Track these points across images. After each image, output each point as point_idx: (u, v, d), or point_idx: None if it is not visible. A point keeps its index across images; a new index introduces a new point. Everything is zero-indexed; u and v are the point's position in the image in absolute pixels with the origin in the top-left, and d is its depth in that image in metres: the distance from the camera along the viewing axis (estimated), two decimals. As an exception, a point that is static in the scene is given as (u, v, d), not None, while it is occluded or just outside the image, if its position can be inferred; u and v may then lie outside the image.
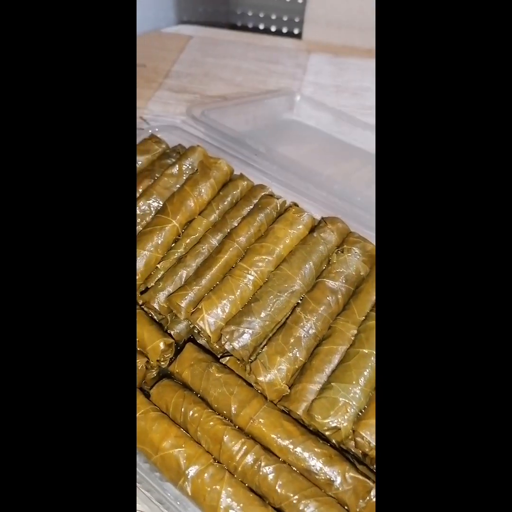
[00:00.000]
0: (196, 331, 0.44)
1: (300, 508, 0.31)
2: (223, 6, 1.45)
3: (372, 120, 0.87)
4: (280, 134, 0.80)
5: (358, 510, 0.33)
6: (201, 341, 0.43)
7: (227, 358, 0.42)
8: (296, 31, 1.41)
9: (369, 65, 1.04)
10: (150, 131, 0.58)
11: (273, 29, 1.42)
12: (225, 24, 1.42)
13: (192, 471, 0.32)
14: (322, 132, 0.83)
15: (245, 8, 1.46)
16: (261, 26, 1.46)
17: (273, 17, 1.44)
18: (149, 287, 0.44)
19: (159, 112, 0.89)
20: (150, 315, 0.44)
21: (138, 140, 0.56)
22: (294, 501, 0.31)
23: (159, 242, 0.45)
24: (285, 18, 1.45)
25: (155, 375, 0.41)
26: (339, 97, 0.95)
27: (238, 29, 1.41)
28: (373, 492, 0.33)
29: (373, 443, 0.33)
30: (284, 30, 1.43)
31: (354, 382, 0.35)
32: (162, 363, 0.41)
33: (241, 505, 0.31)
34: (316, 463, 0.33)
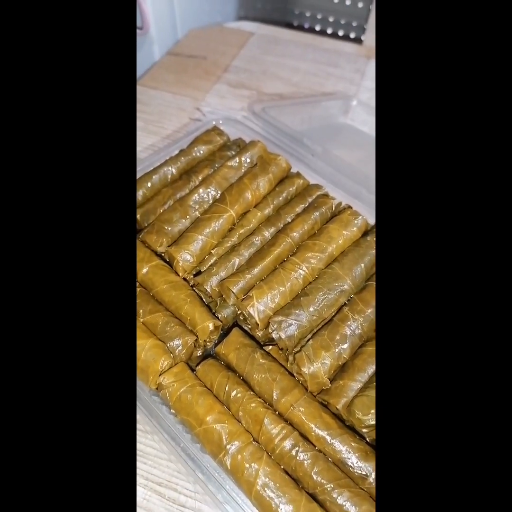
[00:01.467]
0: (241, 317, 0.45)
1: (333, 496, 0.32)
2: (281, 3, 1.47)
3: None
4: (334, 137, 0.80)
5: None
6: (245, 327, 0.45)
7: (270, 347, 0.43)
8: (352, 35, 1.41)
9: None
10: (213, 122, 0.60)
11: (329, 31, 1.42)
12: (282, 22, 1.44)
13: (233, 447, 0.34)
14: (375, 139, 0.84)
15: (303, 8, 1.47)
16: (318, 27, 1.47)
17: (331, 19, 1.44)
18: (202, 270, 0.46)
19: (215, 105, 0.91)
20: (200, 297, 0.46)
21: (200, 131, 0.59)
22: (328, 489, 0.32)
23: (216, 229, 0.47)
24: (342, 22, 1.45)
25: (200, 354, 0.43)
26: (395, 105, 0.94)
27: (295, 28, 1.42)
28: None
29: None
30: (340, 33, 1.43)
31: (396, 385, 0.35)
32: (208, 343, 0.43)
33: (277, 485, 0.33)
34: (352, 457, 0.34)
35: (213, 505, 0.44)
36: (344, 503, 0.32)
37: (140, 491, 0.46)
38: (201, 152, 0.55)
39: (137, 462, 0.47)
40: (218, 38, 1.17)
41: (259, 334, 0.44)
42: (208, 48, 1.12)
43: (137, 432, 0.48)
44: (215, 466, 0.35)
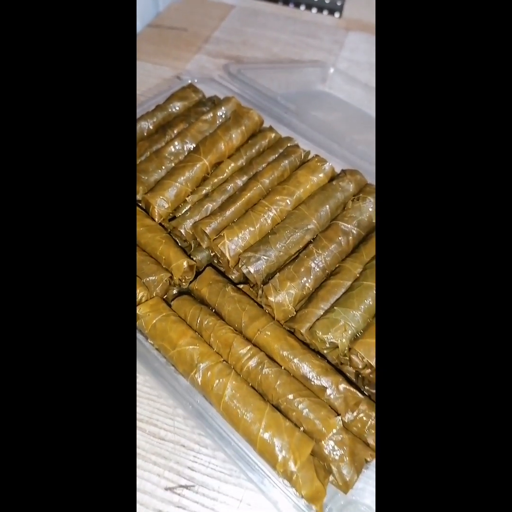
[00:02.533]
0: (215, 261, 0.48)
1: (295, 405, 0.35)
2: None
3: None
4: (310, 102, 0.82)
5: (346, 420, 0.37)
6: (220, 269, 0.47)
7: (242, 285, 0.46)
8: (331, 8, 1.40)
9: (406, 47, 1.05)
10: (189, 81, 0.61)
11: (309, 3, 1.41)
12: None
13: (203, 365, 0.37)
14: (352, 106, 0.86)
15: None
16: (294, 4, 1.45)
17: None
18: (177, 216, 0.48)
19: (195, 74, 0.92)
20: (175, 240, 0.48)
21: (176, 88, 0.61)
22: (290, 398, 0.35)
23: (190, 176, 0.49)
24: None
25: (176, 293, 0.46)
26: (372, 74, 0.96)
27: (276, 1, 1.41)
28: (362, 406, 0.37)
29: (367, 360, 0.37)
30: (320, 5, 1.42)
31: (355, 308, 0.38)
32: (183, 283, 0.46)
33: (244, 396, 0.35)
34: (312, 372, 0.37)
35: (190, 438, 0.47)
36: (303, 410, 0.35)
37: (122, 427, 0.48)
38: (177, 108, 0.57)
39: (119, 401, 0.50)
40: (199, 10, 1.17)
41: (233, 277, 0.46)
42: (189, 20, 1.12)
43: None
44: (188, 385, 0.38)
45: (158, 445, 0.47)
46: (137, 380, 0.50)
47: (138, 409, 0.49)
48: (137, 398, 0.49)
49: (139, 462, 0.46)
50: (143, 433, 0.48)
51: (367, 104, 0.85)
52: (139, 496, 0.45)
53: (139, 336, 0.43)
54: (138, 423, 0.48)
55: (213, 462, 0.46)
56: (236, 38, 1.06)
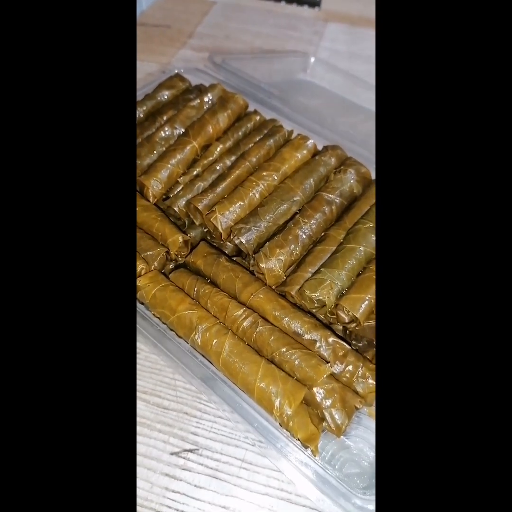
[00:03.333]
0: (208, 237, 0.51)
1: (287, 356, 0.38)
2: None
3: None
4: (293, 90, 0.85)
5: (336, 371, 0.40)
6: (213, 243, 0.50)
7: (235, 258, 0.49)
8: (314, 4, 1.43)
9: (384, 36, 1.09)
10: (175, 71, 0.64)
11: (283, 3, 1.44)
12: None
13: (202, 327, 0.40)
14: (333, 93, 0.89)
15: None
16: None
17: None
18: (170, 196, 0.51)
19: (180, 67, 0.94)
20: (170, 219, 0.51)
21: (163, 78, 0.63)
22: (283, 351, 0.38)
23: (181, 158, 0.52)
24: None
25: (172, 267, 0.49)
26: (352, 63, 1.00)
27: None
28: (350, 358, 0.40)
29: (352, 313, 0.40)
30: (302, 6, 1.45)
31: (339, 268, 0.42)
32: (179, 258, 0.49)
33: (241, 352, 0.38)
34: (303, 328, 0.40)
35: (192, 405, 0.50)
36: (295, 360, 0.37)
37: (127, 399, 0.51)
38: (165, 96, 0.60)
39: (123, 376, 0.52)
40: (182, 7, 1.20)
41: (227, 251, 0.49)
42: (172, 17, 1.14)
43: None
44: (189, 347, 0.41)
45: (162, 414, 0.50)
46: (139, 355, 0.53)
47: (141, 382, 0.52)
48: (140, 372, 0.52)
49: (145, 430, 0.49)
50: (147, 404, 0.51)
51: (348, 90, 0.88)
52: (146, 461, 0.47)
53: (140, 312, 0.46)
54: (143, 395, 0.51)
55: (215, 427, 0.49)
56: (219, 32, 1.09)
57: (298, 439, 0.36)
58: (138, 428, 0.49)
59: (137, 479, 0.46)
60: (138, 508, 0.45)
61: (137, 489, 0.46)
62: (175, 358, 0.42)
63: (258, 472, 0.46)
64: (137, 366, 0.53)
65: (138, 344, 0.54)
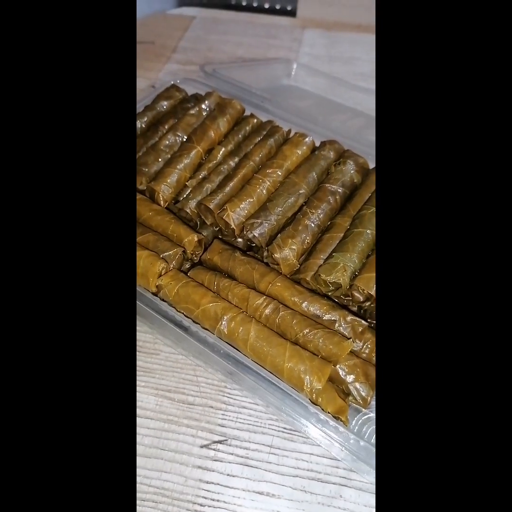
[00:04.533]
0: (219, 235, 0.53)
1: (310, 337, 0.40)
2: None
3: (364, 84, 0.96)
4: (280, 95, 0.89)
5: (355, 348, 0.42)
6: (225, 239, 0.53)
7: (248, 253, 0.51)
8: (289, 8, 1.48)
9: (359, 38, 1.14)
10: (171, 82, 0.67)
11: (266, 6, 1.49)
12: (220, 5, 1.50)
13: (226, 317, 0.42)
14: (317, 95, 0.93)
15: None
16: (255, 4, 1.52)
17: (266, 5, 1.52)
18: (180, 199, 0.53)
19: (168, 81, 0.97)
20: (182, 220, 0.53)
21: (160, 90, 0.66)
22: (305, 333, 0.41)
23: (187, 163, 0.54)
24: (277, 6, 1.53)
25: (189, 266, 0.51)
26: (332, 65, 1.04)
27: (235, 8, 1.49)
28: (367, 334, 0.43)
29: (367, 292, 0.42)
30: (278, 6, 1.50)
31: (350, 251, 0.44)
32: (194, 257, 0.51)
33: (267, 336, 0.41)
34: (321, 310, 0.43)
35: (216, 399, 0.51)
36: (319, 340, 0.40)
37: (152, 400, 0.52)
38: (164, 106, 0.62)
39: (146, 377, 0.54)
40: (163, 24, 1.23)
41: (240, 246, 0.51)
42: (155, 34, 1.18)
43: (142, 350, 0.55)
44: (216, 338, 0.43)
45: (188, 410, 0.52)
46: (159, 356, 0.55)
47: (164, 381, 0.53)
48: (163, 372, 0.54)
49: (173, 427, 0.51)
50: (172, 402, 0.52)
51: (332, 92, 0.92)
52: (178, 456, 0.49)
53: (161, 311, 0.48)
54: (167, 394, 0.53)
55: (240, 417, 0.51)
56: (202, 45, 1.12)
57: (329, 413, 0.38)
58: (165, 425, 0.50)
59: (171, 474, 0.48)
60: (174, 502, 0.46)
61: (172, 484, 0.47)
62: (203, 350, 0.44)
63: (287, 456, 0.48)
64: (159, 366, 0.54)
65: (157, 345, 0.55)
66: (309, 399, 0.38)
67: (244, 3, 1.54)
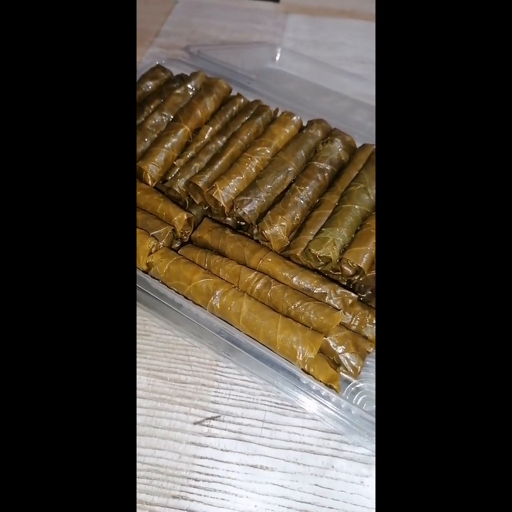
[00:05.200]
0: (209, 214, 0.53)
1: (302, 309, 0.41)
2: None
3: (348, 68, 0.97)
4: (265, 78, 0.88)
5: (345, 320, 0.43)
6: (215, 218, 0.53)
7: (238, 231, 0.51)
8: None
9: (343, 24, 1.14)
10: (156, 62, 0.66)
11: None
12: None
13: (218, 292, 0.42)
14: (302, 79, 0.93)
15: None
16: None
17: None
18: (168, 179, 0.53)
19: (150, 63, 0.96)
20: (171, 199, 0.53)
21: (145, 70, 0.65)
22: (297, 305, 0.41)
23: (174, 142, 0.54)
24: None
25: (178, 245, 0.51)
26: (317, 50, 1.04)
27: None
28: (356, 307, 0.44)
29: (356, 264, 0.43)
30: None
31: (339, 226, 0.45)
32: (184, 236, 0.51)
33: (259, 310, 0.41)
34: (312, 284, 0.43)
35: (208, 377, 0.52)
36: (310, 312, 0.41)
37: (144, 379, 0.53)
38: (150, 87, 0.62)
39: (137, 358, 0.54)
40: (144, 8, 1.21)
41: (230, 224, 0.52)
42: (137, 18, 1.15)
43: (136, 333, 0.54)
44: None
45: (181, 388, 0.52)
46: (150, 337, 0.55)
47: (156, 361, 0.54)
48: (154, 353, 0.54)
49: (166, 405, 0.51)
50: (165, 381, 0.52)
51: (317, 76, 0.92)
52: (171, 434, 0.49)
53: (149, 294, 0.47)
54: (159, 373, 0.53)
55: (232, 394, 0.51)
56: (185, 29, 1.11)
57: (321, 381, 0.39)
58: (159, 404, 0.51)
59: (165, 451, 0.48)
60: (169, 477, 0.47)
61: (166, 461, 0.47)
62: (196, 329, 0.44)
63: (280, 430, 0.49)
64: (150, 347, 0.54)
65: (148, 327, 0.55)
66: (301, 369, 0.39)
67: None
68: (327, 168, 0.50)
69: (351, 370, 0.41)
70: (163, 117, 0.57)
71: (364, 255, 0.43)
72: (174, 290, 0.44)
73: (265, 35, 1.08)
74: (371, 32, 1.11)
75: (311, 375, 0.39)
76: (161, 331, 0.55)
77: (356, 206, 0.46)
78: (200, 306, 0.43)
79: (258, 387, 0.51)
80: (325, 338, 0.41)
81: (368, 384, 0.44)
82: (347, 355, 0.41)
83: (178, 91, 0.59)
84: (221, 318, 0.43)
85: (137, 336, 0.55)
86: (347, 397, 0.42)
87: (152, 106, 0.59)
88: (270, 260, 0.45)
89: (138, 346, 0.55)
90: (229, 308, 0.41)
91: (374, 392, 0.43)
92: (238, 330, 0.41)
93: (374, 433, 0.38)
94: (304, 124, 0.58)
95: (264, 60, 0.94)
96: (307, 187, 0.49)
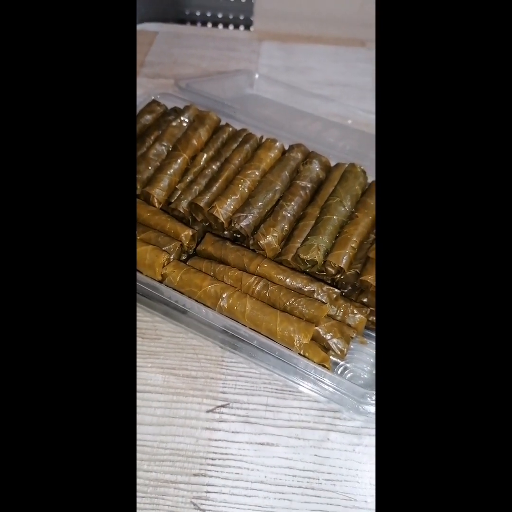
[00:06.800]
0: (209, 230, 0.61)
1: (296, 304, 0.50)
2: (171, 8, 1.60)
3: (319, 91, 1.07)
4: (245, 104, 0.98)
5: (331, 312, 0.52)
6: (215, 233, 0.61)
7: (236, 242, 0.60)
8: (243, 24, 1.58)
9: (311, 49, 1.26)
10: (152, 97, 0.74)
11: (220, 15, 1.58)
12: (176, 19, 1.57)
13: (225, 295, 0.50)
14: (278, 103, 1.03)
15: (193, 9, 1.62)
16: (208, 14, 1.60)
17: (220, 15, 1.61)
18: (172, 201, 0.61)
19: (141, 94, 1.04)
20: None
21: (143, 105, 0.73)
22: (291, 301, 0.50)
23: (176, 169, 0.62)
24: (231, 16, 1.62)
25: (185, 258, 0.58)
26: (289, 74, 1.15)
27: (190, 21, 1.56)
28: (340, 301, 0.53)
29: (337, 265, 0.52)
30: (231, 27, 1.60)
31: (322, 234, 0.54)
32: (189, 250, 0.59)
33: (260, 308, 0.49)
34: (302, 283, 0.52)
35: (216, 371, 0.60)
36: (302, 306, 0.49)
37: (159, 377, 0.60)
38: (148, 120, 0.70)
39: (152, 359, 0.61)
40: (126, 39, 1.29)
41: (228, 236, 0.60)
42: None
43: (145, 337, 0.62)
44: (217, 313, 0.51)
45: (192, 382, 0.59)
46: (161, 340, 0.62)
47: (168, 361, 0.61)
48: (167, 353, 0.61)
49: (181, 398, 0.58)
50: (178, 377, 0.60)
51: (291, 99, 1.02)
52: (188, 422, 0.57)
53: (164, 296, 0.55)
54: (173, 371, 0.60)
55: (238, 384, 0.59)
56: (167, 59, 1.19)
57: (315, 362, 0.48)
58: (174, 397, 0.58)
59: (183, 437, 0.55)
60: (189, 459, 0.54)
61: (185, 445, 0.55)
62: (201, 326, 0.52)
63: (281, 411, 0.57)
64: (162, 349, 0.62)
65: (158, 331, 0.63)
66: (298, 353, 0.48)
67: (198, 13, 1.62)
68: (308, 185, 0.60)
69: (339, 353, 0.50)
70: (163, 147, 0.65)
71: (344, 257, 0.52)
72: (187, 296, 0.52)
73: (241, 62, 1.18)
74: (337, 56, 1.23)
75: (306, 357, 0.48)
76: (171, 334, 0.63)
77: (334, 217, 0.55)
78: (210, 307, 0.51)
79: (260, 377, 0.59)
80: (316, 327, 0.49)
81: (353, 364, 0.53)
82: (335, 340, 0.50)
83: (174, 124, 0.67)
84: (228, 317, 0.51)
85: (149, 340, 0.62)
86: (338, 374, 0.51)
87: (152, 137, 0.67)
88: (266, 265, 0.53)
89: (151, 348, 0.62)
90: (235, 308, 0.49)
91: (359, 370, 0.52)
92: (244, 325, 0.50)
93: (363, 400, 0.47)
94: (286, 148, 0.67)
95: (242, 87, 1.03)
96: (292, 203, 0.58)
